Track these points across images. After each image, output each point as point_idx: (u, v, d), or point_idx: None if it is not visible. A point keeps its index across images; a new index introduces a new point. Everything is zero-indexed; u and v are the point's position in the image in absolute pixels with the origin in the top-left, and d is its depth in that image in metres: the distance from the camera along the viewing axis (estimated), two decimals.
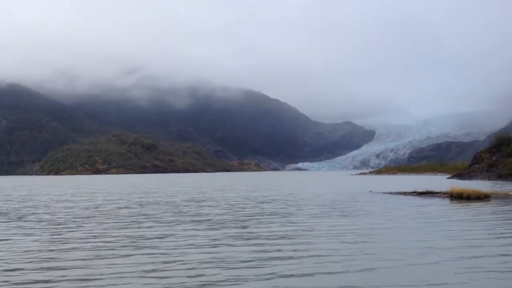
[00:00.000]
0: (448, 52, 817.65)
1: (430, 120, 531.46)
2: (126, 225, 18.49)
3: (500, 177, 73.54)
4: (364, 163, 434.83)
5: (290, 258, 11.28)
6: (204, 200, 32.80)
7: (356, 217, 20.61)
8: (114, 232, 16.42)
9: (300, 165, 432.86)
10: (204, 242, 13.88)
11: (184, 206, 27.79)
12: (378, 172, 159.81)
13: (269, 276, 9.55)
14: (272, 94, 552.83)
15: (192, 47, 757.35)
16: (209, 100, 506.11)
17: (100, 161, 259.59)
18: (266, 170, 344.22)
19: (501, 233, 15.25)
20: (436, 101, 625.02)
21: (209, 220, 19.81)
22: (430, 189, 36.55)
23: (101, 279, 9.56)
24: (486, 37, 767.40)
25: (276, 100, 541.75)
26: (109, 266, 10.83)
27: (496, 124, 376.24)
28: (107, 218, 21.14)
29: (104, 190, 53.72)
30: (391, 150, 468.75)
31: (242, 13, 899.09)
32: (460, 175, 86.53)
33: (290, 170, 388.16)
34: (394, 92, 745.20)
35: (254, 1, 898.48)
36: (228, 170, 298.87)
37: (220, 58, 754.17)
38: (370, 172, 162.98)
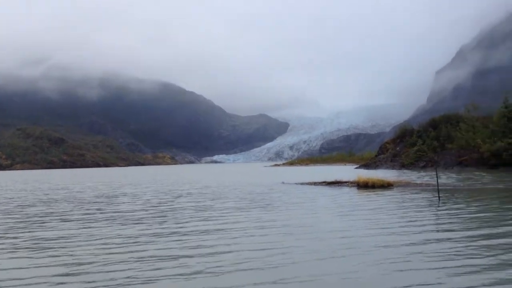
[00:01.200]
0: (357, 48, 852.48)
1: (340, 113, 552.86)
2: (29, 225, 17.55)
3: (403, 166, 78.15)
4: (279, 155, 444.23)
5: (211, 254, 11.17)
6: (116, 196, 31.90)
7: (268, 208, 21.02)
8: (15, 233, 15.53)
9: (215, 157, 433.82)
10: (119, 241, 13.20)
11: (95, 202, 26.88)
12: (291, 163, 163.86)
13: (191, 273, 9.42)
14: (188, 86, 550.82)
15: (105, 36, 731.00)
16: (123, 91, 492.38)
17: (4, 156, 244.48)
18: (181, 163, 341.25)
19: (402, 218, 16.25)
20: (346, 95, 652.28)
21: (122, 217, 19.24)
22: (339, 179, 38.07)
23: None
24: (395, 35, 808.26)
25: (192, 93, 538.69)
26: (7, 270, 10.15)
27: (400, 116, 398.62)
28: (8, 218, 19.96)
29: (5, 187, 50.52)
30: (304, 142, 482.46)
31: (160, 3, 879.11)
32: (367, 165, 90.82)
33: (206, 163, 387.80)
34: (307, 86, 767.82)
35: None
36: (142, 164, 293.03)
37: (134, 48, 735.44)
38: (283, 164, 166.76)
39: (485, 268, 9.10)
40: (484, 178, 40.37)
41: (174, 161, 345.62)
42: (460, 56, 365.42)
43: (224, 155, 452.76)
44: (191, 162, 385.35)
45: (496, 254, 10.23)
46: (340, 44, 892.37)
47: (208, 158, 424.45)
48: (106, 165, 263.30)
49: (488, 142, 65.42)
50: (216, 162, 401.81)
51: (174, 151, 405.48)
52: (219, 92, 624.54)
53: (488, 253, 10.34)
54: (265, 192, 31.25)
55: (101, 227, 16.31)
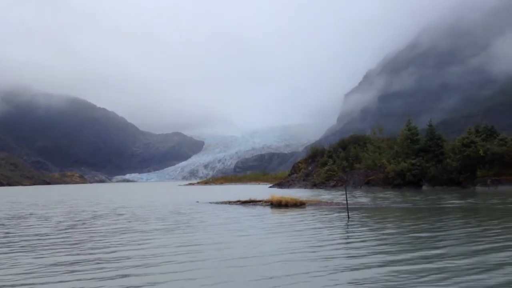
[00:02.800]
0: (271, 69, 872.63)
1: (255, 132, 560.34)
2: None
3: (315, 185, 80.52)
4: (193, 174, 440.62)
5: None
6: (23, 218, 29.94)
7: (182, 229, 20.74)
8: None
9: (128, 176, 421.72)
10: (24, 270, 12.07)
11: None
12: (206, 182, 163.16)
13: None
14: (99, 102, 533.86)
15: (9, 50, 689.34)
16: (29, 107, 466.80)
17: None
18: (91, 182, 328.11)
19: (312, 236, 16.68)
20: (261, 114, 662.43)
21: (29, 242, 18.10)
22: (253, 198, 38.44)
23: None
24: (307, 58, 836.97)
25: (103, 109, 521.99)
26: None
27: (312, 136, 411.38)
28: None
29: None
30: (219, 161, 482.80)
31: (70, 17, 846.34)
32: (280, 184, 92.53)
33: (118, 181, 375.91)
34: (222, 105, 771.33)
35: (84, 5, 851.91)
36: (48, 183, 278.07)
37: (42, 63, 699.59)
38: (198, 183, 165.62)
39: (386, 280, 9.59)
40: (389, 197, 42.59)
41: (83, 180, 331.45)
42: (367, 80, 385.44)
43: (137, 173, 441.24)
44: (101, 181, 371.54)
45: (397, 267, 10.82)
46: (253, 64, 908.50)
47: (120, 177, 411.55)
48: (9, 184, 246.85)
49: (393, 163, 69.25)
50: (128, 181, 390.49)
51: (83, 170, 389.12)
52: (132, 109, 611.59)
53: (389, 267, 10.91)
54: (181, 212, 30.82)
55: (4, 253, 15.24)
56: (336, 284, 9.48)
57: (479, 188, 56.86)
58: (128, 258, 13.34)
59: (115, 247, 15.55)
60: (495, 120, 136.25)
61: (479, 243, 14.61)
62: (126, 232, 19.76)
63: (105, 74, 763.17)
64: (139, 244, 16.16)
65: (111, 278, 10.72)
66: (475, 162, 58.70)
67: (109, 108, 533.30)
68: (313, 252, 13.51)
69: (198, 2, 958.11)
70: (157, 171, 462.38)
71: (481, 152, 57.86)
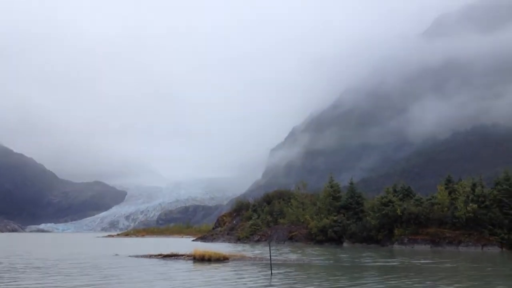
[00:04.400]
0: (197, 121, 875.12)
1: (180, 184, 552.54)
2: None
3: (239, 239, 79.91)
4: (113, 225, 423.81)
5: None
6: None
7: (98, 285, 19.67)
8: None
9: (43, 226, 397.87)
10: None
11: None
12: (127, 234, 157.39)
13: None
14: (16, 148, 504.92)
15: None
16: None
17: None
18: (2, 231, 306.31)
19: None
20: (186, 166, 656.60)
21: None
22: (175, 251, 37.43)
23: None
24: (234, 113, 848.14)
25: (21, 155, 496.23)
26: None
27: (237, 190, 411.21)
28: None
29: None
30: (141, 212, 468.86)
31: None
32: (204, 238, 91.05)
33: (31, 231, 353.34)
34: (147, 155, 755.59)
35: (5, 47, 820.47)
36: None
37: None
38: (118, 235, 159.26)
39: None
40: (311, 253, 42.97)
41: None
42: (292, 137, 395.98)
43: (52, 223, 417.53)
44: (13, 230, 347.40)
45: None
46: (180, 115, 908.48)
47: (34, 227, 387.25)
48: None
49: (316, 219, 70.48)
50: (43, 231, 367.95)
51: None
52: (52, 156, 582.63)
53: None
54: (94, 266, 29.30)
55: None
56: None
57: (396, 247, 58.80)
58: None
59: None
60: (411, 180, 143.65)
61: None
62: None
63: (24, 119, 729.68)
64: None
65: None
66: (393, 220, 60.96)
67: (27, 154, 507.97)
68: None
69: (127, 54, 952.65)
70: (74, 222, 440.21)
71: (398, 211, 60.28)
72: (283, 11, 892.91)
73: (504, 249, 53.57)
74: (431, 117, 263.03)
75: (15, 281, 20.94)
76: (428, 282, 20.80)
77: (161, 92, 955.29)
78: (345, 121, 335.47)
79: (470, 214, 56.03)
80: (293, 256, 38.33)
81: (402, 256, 39.77)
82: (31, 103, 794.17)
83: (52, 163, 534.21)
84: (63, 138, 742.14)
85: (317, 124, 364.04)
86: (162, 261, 32.74)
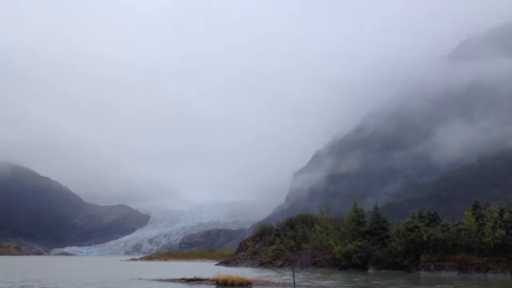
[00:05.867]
0: (221, 145, 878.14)
1: (203, 207, 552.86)
2: None
3: (262, 264, 79.33)
4: (136, 249, 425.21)
5: None
6: None
7: None
8: None
9: (67, 249, 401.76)
10: None
11: None
12: (150, 258, 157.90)
13: None
14: (43, 171, 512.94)
15: None
16: None
17: None
18: (28, 254, 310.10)
19: None
20: (209, 189, 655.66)
21: None
22: (198, 276, 37.37)
23: None
24: (256, 136, 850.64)
25: (47, 178, 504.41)
26: None
27: (260, 214, 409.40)
28: None
29: None
30: (164, 236, 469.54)
31: (15, 82, 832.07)
32: (227, 262, 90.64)
33: (56, 254, 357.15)
34: (170, 178, 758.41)
35: (31, 70, 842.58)
36: None
37: None
38: (141, 258, 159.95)
39: None
40: (335, 279, 42.37)
41: (19, 251, 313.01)
42: (315, 160, 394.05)
43: (76, 247, 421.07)
44: (39, 253, 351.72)
45: None
46: (204, 138, 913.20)
47: (58, 250, 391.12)
48: None
49: (340, 244, 69.62)
50: (67, 254, 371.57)
51: (20, 241, 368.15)
52: (77, 179, 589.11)
53: None
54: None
55: None
56: None
57: (423, 273, 57.57)
58: None
59: None
60: (437, 205, 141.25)
61: None
62: None
63: (51, 143, 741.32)
64: None
65: None
66: (419, 246, 59.81)
67: (53, 177, 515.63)
68: None
69: (148, 79, 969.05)
70: (98, 245, 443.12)
71: (424, 237, 59.16)
72: (307, 31, 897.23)
73: None
74: (457, 141, 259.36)
75: None
76: None
77: (183, 114, 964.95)
78: (369, 145, 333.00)
79: (498, 240, 54.67)
80: (317, 282, 37.86)
81: (430, 284, 38.93)
82: (57, 127, 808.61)
83: (77, 186, 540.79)
84: (88, 162, 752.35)
85: (341, 147, 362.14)
86: (185, 286, 32.70)
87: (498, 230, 55.13)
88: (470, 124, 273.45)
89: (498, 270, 53.77)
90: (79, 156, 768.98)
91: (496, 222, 56.80)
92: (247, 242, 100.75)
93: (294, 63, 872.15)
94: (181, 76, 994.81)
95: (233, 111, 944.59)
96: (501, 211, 58.20)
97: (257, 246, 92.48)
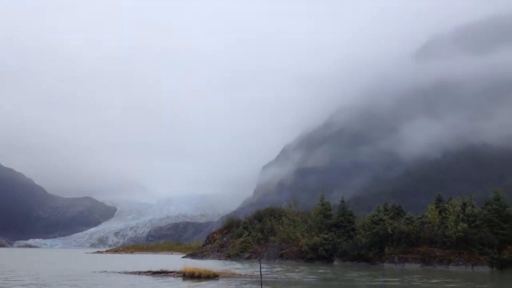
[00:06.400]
0: (188, 138, 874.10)
1: (171, 200, 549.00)
2: None
3: (229, 256, 79.38)
4: (102, 241, 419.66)
5: None
6: None
7: None
8: None
9: (31, 241, 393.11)
10: None
11: None
12: (116, 250, 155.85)
13: None
14: (6, 162, 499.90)
15: None
16: None
17: None
18: None
19: None
20: (176, 182, 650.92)
21: None
22: (165, 268, 37.10)
23: None
24: (226, 130, 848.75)
25: (10, 170, 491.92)
26: None
27: (228, 207, 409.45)
28: None
29: None
30: (131, 228, 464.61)
31: None
32: (194, 255, 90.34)
33: (19, 247, 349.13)
34: (138, 171, 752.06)
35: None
36: None
37: None
38: (107, 251, 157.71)
39: None
40: (300, 271, 42.74)
41: None
42: (284, 154, 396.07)
43: (41, 239, 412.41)
44: (1, 245, 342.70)
45: None
46: (172, 132, 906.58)
47: (22, 242, 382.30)
48: None
49: (307, 237, 70.29)
50: (30, 246, 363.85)
51: None
52: (42, 171, 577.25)
53: None
54: (89, 282, 28.93)
55: None
56: None
57: (387, 265, 58.67)
58: None
59: None
60: (402, 199, 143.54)
61: None
62: None
63: (14, 134, 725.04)
64: None
65: None
66: (384, 239, 60.91)
67: (17, 169, 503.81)
68: None
69: (120, 73, 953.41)
70: (63, 237, 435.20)
71: (389, 230, 60.27)
72: (276, 31, 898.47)
73: (494, 269, 53.61)
74: (422, 137, 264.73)
75: None
76: None
77: (151, 109, 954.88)
78: (337, 140, 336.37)
79: (460, 233, 56.15)
80: (283, 274, 38.10)
81: (394, 276, 39.68)
82: (21, 118, 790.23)
83: (41, 178, 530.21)
84: (53, 154, 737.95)
85: (309, 142, 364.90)
86: (152, 278, 32.41)
87: (461, 224, 56.61)
88: (435, 121, 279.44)
89: (460, 263, 55.22)
90: (44, 148, 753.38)
91: (458, 216, 58.29)
92: (215, 235, 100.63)
93: (264, 60, 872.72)
94: (153, 69, 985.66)
95: (203, 107, 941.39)
96: (464, 205, 59.75)
97: (224, 239, 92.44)
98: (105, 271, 38.99)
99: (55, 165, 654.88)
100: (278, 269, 46.39)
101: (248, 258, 75.79)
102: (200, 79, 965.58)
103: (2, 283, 26.91)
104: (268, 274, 36.35)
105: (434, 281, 33.64)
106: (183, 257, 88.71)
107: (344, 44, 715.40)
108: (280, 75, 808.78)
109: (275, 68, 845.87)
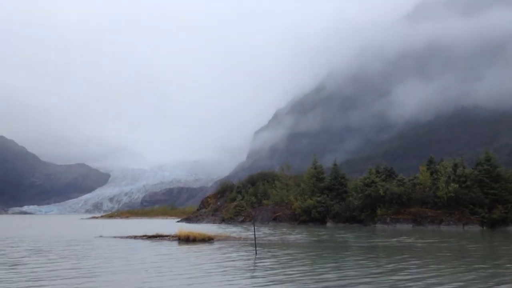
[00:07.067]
0: (183, 105, 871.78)
1: (164, 166, 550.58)
2: None
3: (223, 220, 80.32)
4: (97, 207, 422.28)
5: None
6: None
7: (80, 262, 19.63)
8: None
9: (25, 208, 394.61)
10: None
11: None
12: (111, 216, 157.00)
13: None
14: None
15: None
16: None
17: None
18: None
19: (221, 271, 16.50)
20: (170, 148, 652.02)
21: None
22: (160, 232, 37.48)
23: None
24: (218, 95, 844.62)
25: (1, 137, 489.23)
26: None
27: (222, 172, 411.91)
28: None
29: None
30: (125, 194, 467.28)
31: None
32: (189, 219, 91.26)
33: (14, 213, 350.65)
34: (131, 137, 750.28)
35: None
36: None
37: None
38: (102, 216, 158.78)
39: None
40: (294, 233, 43.40)
41: None
42: (276, 119, 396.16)
43: (35, 206, 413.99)
44: None
45: None
46: (165, 98, 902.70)
47: (17, 209, 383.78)
48: None
49: (300, 200, 71.05)
50: (25, 213, 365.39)
51: None
52: (34, 138, 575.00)
53: None
54: (79, 247, 29.23)
55: None
56: None
57: (379, 226, 59.65)
58: None
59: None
60: (393, 162, 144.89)
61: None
62: (16, 265, 18.37)
63: (5, 102, 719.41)
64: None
65: None
66: (376, 201, 61.72)
67: (8, 136, 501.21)
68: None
69: (111, 40, 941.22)
70: (57, 204, 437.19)
71: (381, 191, 61.02)
72: None
73: (484, 228, 54.68)
74: (413, 100, 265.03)
75: (22, 266, 20.84)
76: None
77: (143, 77, 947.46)
78: (328, 104, 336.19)
79: (452, 194, 56.99)
80: (277, 236, 38.67)
81: (385, 236, 40.39)
82: (12, 87, 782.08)
83: (34, 146, 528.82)
84: (45, 121, 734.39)
85: (301, 107, 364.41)
86: (148, 242, 32.78)
87: (452, 184, 57.33)
88: (427, 83, 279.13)
89: (451, 222, 56.21)
90: (36, 116, 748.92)
91: (449, 177, 58.97)
92: (209, 199, 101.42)
93: (256, 28, 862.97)
94: (145, 37, 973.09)
95: (194, 72, 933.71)
96: (455, 166, 60.39)
97: (218, 203, 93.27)
98: (101, 236, 39.37)
99: (48, 132, 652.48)
100: (272, 231, 47.04)
101: (242, 221, 76.72)
102: (191, 49, 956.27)
103: (0, 249, 27.17)
104: (263, 236, 36.88)
105: (430, 240, 34.29)
106: (178, 221, 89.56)
107: (335, 9, 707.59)
108: (271, 41, 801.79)
109: (266, 34, 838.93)
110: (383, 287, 13.58)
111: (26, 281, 14.75)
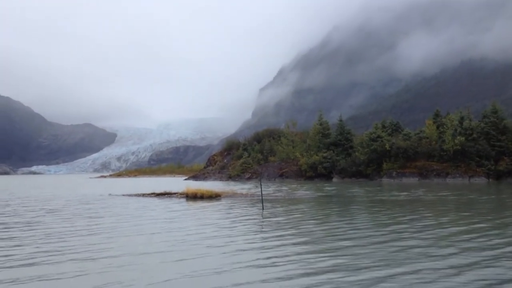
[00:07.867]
0: (187, 64, 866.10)
1: (170, 125, 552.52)
2: None
3: (230, 177, 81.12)
4: (105, 166, 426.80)
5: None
6: None
7: (98, 220, 20.01)
8: None
9: (34, 168, 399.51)
10: None
11: None
12: (119, 175, 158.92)
13: None
14: (3, 91, 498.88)
15: None
16: None
17: None
18: None
19: (226, 227, 16.83)
20: (176, 107, 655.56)
21: None
22: (168, 190, 37.98)
23: None
24: (222, 54, 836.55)
25: (7, 98, 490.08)
26: None
27: (228, 130, 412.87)
28: None
29: None
30: (133, 153, 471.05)
31: None
32: (196, 176, 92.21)
33: (23, 174, 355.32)
34: (136, 97, 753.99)
35: None
36: None
37: None
38: (110, 175, 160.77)
39: (294, 261, 9.90)
40: (301, 189, 43.86)
41: None
42: (281, 75, 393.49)
43: (44, 166, 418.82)
44: (5, 173, 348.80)
45: (305, 248, 11.21)
46: (169, 57, 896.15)
47: (26, 169, 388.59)
48: None
49: (306, 156, 71.42)
50: (35, 173, 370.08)
51: None
52: (40, 99, 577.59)
53: (295, 247, 11.28)
54: (91, 204, 29.72)
55: None
56: (248, 282, 9.34)
57: (385, 180, 60.12)
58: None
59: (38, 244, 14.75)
60: (400, 116, 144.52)
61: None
62: (36, 224, 18.77)
63: (10, 63, 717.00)
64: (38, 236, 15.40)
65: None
66: (382, 155, 61.96)
67: (14, 97, 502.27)
68: (226, 245, 13.49)
69: (111, 5, 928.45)
70: (66, 163, 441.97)
71: (387, 146, 61.17)
72: None
73: (490, 180, 54.99)
74: (420, 53, 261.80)
75: (37, 225, 21.28)
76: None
77: (149, 38, 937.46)
78: (333, 59, 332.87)
79: (458, 146, 57.06)
80: (284, 191, 39.12)
81: (392, 190, 40.74)
82: (17, 48, 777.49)
83: (40, 106, 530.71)
84: (50, 82, 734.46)
85: (306, 62, 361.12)
86: (156, 199, 33.27)
87: (458, 137, 57.32)
88: (433, 36, 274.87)
89: (457, 175, 56.53)
90: (42, 77, 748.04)
91: (456, 130, 58.90)
92: (215, 157, 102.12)
93: None
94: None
95: (198, 30, 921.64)
96: (461, 119, 60.21)
97: (225, 161, 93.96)
98: (110, 194, 39.96)
99: (54, 93, 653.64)
100: (279, 187, 47.55)
101: (249, 178, 77.45)
102: (194, 9, 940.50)
103: (14, 209, 27.68)
104: (271, 193, 37.32)
105: (440, 194, 34.52)
106: (185, 179, 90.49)
107: None
108: None
109: None
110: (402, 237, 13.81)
111: (43, 237, 15.10)
